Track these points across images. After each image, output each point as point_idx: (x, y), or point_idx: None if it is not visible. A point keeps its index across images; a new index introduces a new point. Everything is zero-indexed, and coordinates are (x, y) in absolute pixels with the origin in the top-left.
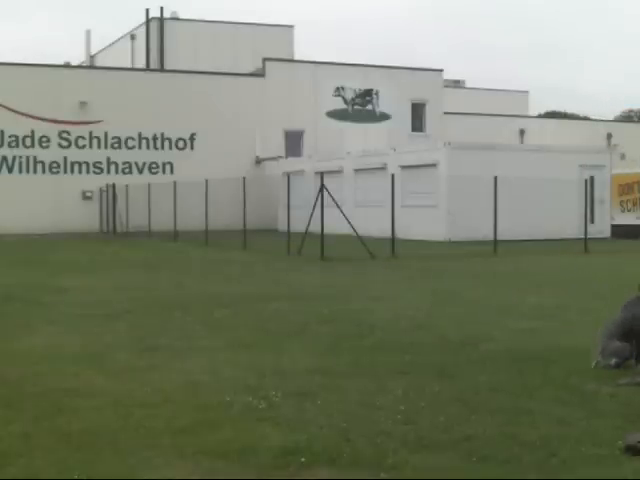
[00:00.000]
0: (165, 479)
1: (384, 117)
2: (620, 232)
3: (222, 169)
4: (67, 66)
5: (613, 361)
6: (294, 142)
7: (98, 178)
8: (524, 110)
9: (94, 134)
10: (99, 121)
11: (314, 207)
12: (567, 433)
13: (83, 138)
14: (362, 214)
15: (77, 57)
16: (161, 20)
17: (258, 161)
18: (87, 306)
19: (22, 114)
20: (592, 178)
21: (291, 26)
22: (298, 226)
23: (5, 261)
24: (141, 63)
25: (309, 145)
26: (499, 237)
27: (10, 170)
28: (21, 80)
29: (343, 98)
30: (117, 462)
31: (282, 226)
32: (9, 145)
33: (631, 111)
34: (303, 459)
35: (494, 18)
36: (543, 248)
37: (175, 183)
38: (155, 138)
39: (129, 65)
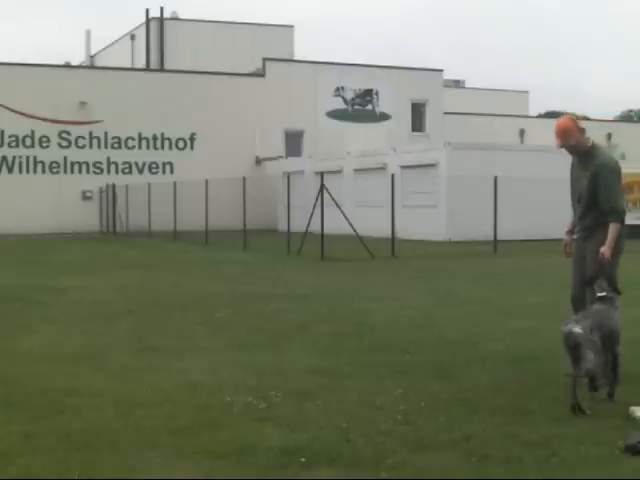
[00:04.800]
0: (165, 479)
1: (384, 117)
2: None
3: (222, 169)
4: (67, 66)
5: None
6: (294, 142)
7: (98, 178)
8: (524, 110)
9: (94, 134)
10: (99, 121)
11: (314, 207)
12: (567, 433)
13: (83, 138)
14: (362, 214)
15: (77, 57)
16: (161, 20)
17: (258, 161)
18: (87, 306)
19: (22, 114)
20: None
21: (291, 26)
22: (298, 226)
23: (5, 261)
24: (141, 63)
25: (309, 145)
26: (499, 237)
27: (10, 170)
28: (21, 80)
29: (343, 98)
30: (117, 462)
31: (282, 226)
32: (9, 145)
33: (631, 111)
34: (303, 459)
35: (494, 18)
36: (543, 248)
37: (175, 183)
38: (155, 138)
39: (129, 65)
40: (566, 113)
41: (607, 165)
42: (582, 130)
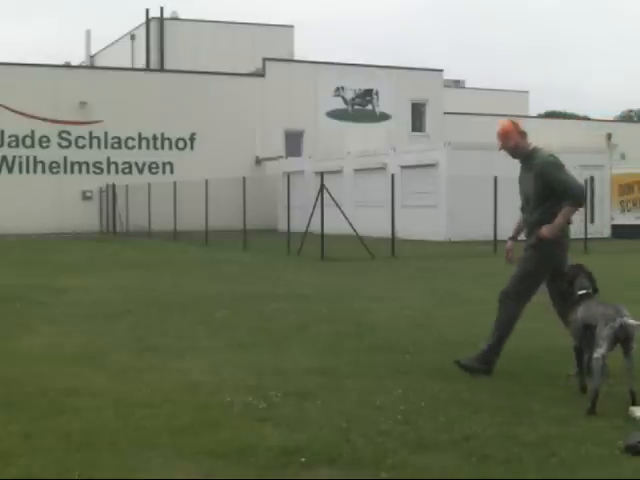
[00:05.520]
0: (165, 479)
1: (384, 117)
2: (620, 232)
3: (222, 169)
4: (67, 66)
5: None
6: (294, 142)
7: (98, 178)
8: (524, 110)
9: (94, 134)
10: (99, 121)
11: (314, 207)
12: (567, 433)
13: (83, 138)
14: (362, 214)
15: (77, 57)
16: (161, 20)
17: (258, 161)
18: (87, 306)
19: (22, 114)
20: (592, 178)
21: (291, 26)
22: (298, 226)
23: (5, 261)
24: (141, 63)
25: (309, 145)
26: (499, 237)
27: (10, 170)
28: (21, 80)
29: (343, 98)
30: (117, 462)
31: (282, 226)
32: (9, 145)
33: (631, 111)
34: (303, 459)
35: (494, 18)
36: None
37: (175, 183)
38: (155, 138)
39: (129, 65)
40: (516, 116)
41: (549, 162)
42: (523, 134)
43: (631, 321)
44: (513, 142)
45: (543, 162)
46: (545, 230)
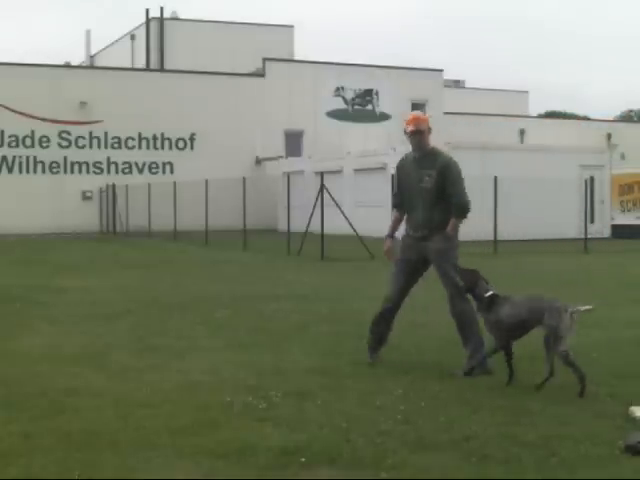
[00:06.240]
0: (165, 479)
1: (384, 117)
2: (620, 232)
3: (222, 169)
4: (67, 66)
5: None
6: (294, 142)
7: (98, 178)
8: (524, 110)
9: (94, 134)
10: (99, 121)
11: (314, 207)
12: (567, 433)
13: (83, 138)
14: (362, 214)
15: (77, 57)
16: (161, 20)
17: (258, 161)
18: (87, 306)
19: (22, 114)
20: (592, 178)
21: (291, 26)
22: (298, 226)
23: (5, 261)
24: (141, 63)
25: (309, 145)
26: (499, 237)
27: (10, 170)
28: (21, 80)
29: (343, 98)
30: (117, 462)
31: (282, 226)
32: (9, 145)
33: (631, 111)
34: (303, 459)
35: (494, 18)
36: (543, 248)
37: (175, 183)
38: (155, 138)
39: (129, 65)
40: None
41: (453, 162)
42: (430, 130)
43: (581, 308)
44: (424, 128)
45: (449, 160)
46: (450, 230)
